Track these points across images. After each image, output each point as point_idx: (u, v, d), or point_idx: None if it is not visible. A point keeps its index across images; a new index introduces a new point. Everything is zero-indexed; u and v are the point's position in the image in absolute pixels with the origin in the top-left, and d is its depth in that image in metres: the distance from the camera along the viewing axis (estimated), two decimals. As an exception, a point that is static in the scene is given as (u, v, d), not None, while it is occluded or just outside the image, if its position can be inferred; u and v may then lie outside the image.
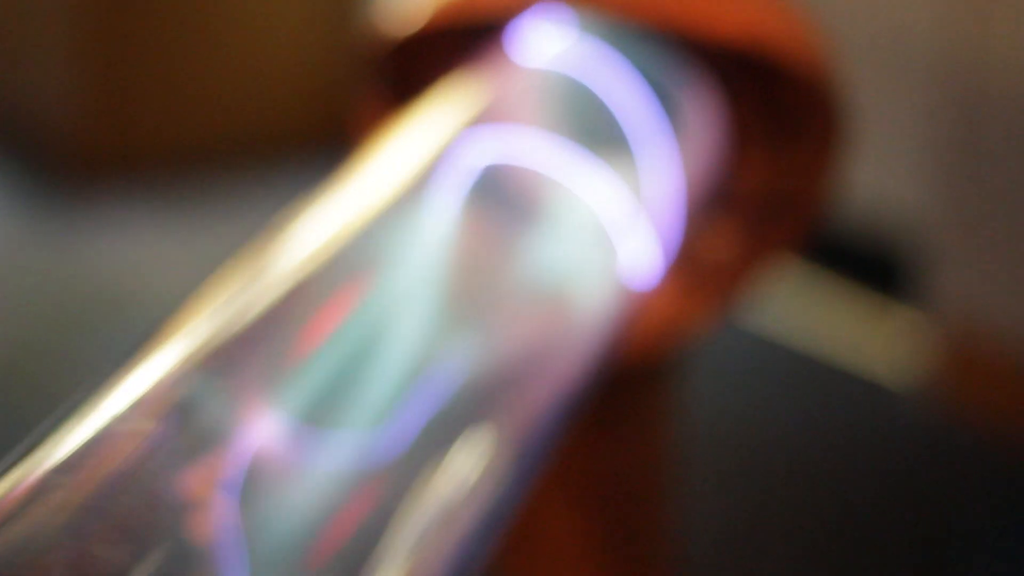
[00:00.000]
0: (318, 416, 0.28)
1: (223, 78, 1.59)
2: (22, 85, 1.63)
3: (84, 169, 1.53)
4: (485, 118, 0.39)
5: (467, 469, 0.32)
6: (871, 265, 1.36)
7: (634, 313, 0.41)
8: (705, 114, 0.45)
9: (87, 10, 1.52)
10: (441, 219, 0.36)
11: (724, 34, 0.45)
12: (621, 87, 0.42)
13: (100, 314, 1.24)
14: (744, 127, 0.48)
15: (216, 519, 0.24)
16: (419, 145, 0.37)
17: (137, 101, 1.56)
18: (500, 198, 0.38)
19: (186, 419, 0.26)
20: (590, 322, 0.38)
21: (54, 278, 1.33)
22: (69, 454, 0.24)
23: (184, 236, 1.41)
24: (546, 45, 0.44)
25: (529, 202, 0.38)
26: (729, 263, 0.48)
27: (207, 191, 1.50)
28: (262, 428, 0.26)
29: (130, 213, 1.46)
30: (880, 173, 1.33)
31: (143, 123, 1.56)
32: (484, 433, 0.33)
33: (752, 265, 0.48)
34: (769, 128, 0.48)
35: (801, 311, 1.30)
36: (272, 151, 1.57)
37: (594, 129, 0.41)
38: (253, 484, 0.25)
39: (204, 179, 1.52)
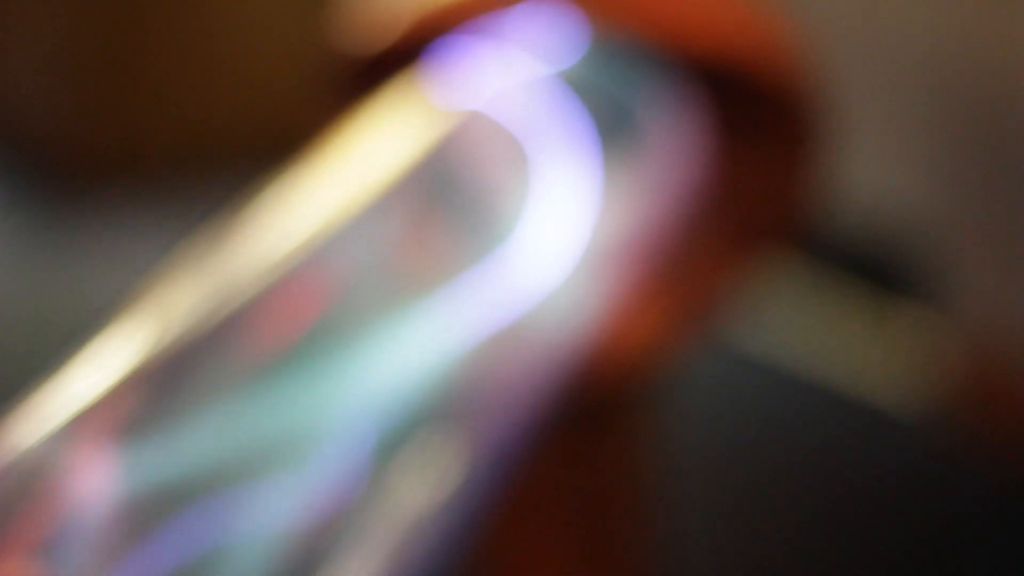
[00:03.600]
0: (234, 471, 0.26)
1: (217, 79, 1.57)
2: (9, 88, 1.62)
3: (77, 174, 1.51)
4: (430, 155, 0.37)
5: (418, 494, 0.30)
6: (881, 273, 1.33)
7: (593, 330, 0.39)
8: (680, 130, 0.43)
9: (75, 10, 1.51)
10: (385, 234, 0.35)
11: (679, 45, 0.43)
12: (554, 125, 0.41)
13: (95, 323, 1.22)
14: (717, 129, 0.46)
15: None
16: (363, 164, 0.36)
17: (129, 103, 1.55)
18: (447, 216, 0.36)
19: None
20: (541, 342, 0.36)
21: (48, 287, 1.32)
22: None
23: (181, 239, 1.39)
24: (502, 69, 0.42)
25: (476, 218, 0.37)
26: (700, 271, 0.46)
27: (202, 194, 1.49)
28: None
29: (124, 217, 1.44)
30: (891, 174, 1.31)
31: (135, 125, 1.55)
32: (434, 453, 0.31)
33: (725, 273, 0.46)
34: (740, 127, 0.46)
35: (803, 324, 1.28)
36: (268, 153, 1.55)
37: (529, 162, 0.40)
38: None
39: (199, 182, 1.50)
